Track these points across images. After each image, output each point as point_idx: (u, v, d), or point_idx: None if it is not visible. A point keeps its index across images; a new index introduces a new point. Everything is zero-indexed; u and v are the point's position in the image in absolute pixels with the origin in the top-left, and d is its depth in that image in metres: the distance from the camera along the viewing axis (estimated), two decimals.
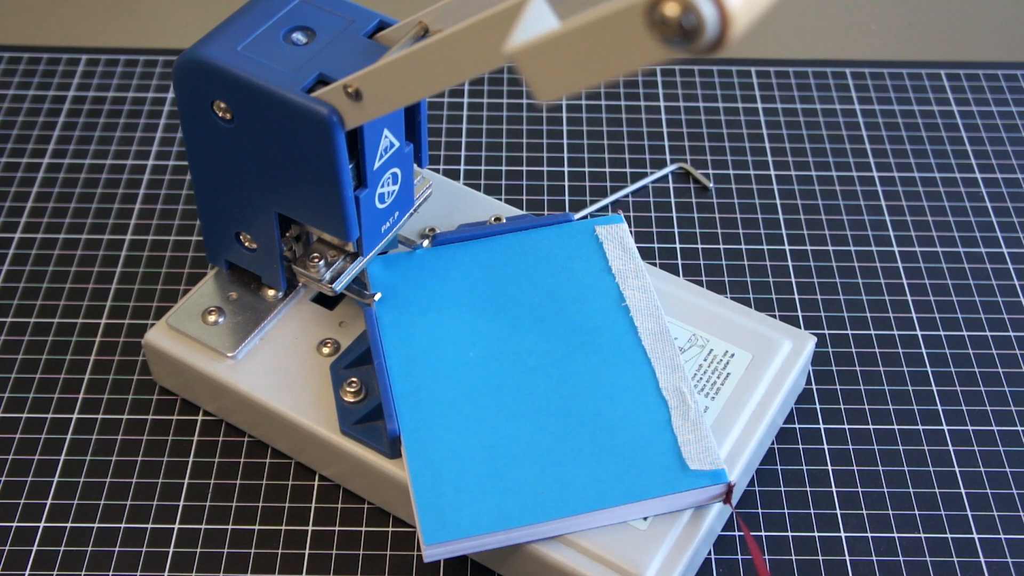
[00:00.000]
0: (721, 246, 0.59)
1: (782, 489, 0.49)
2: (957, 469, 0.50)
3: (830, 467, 0.50)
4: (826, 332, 0.55)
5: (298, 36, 0.43)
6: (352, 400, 0.47)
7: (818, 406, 0.52)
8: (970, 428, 0.52)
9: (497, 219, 0.53)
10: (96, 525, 0.48)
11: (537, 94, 0.33)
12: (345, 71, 0.42)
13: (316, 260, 0.48)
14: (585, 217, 0.57)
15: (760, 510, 0.48)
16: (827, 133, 0.66)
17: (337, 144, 0.41)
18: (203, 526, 0.48)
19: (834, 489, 0.49)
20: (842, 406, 0.52)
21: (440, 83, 0.39)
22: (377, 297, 0.49)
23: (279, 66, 0.42)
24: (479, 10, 0.40)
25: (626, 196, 0.62)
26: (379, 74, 0.40)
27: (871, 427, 0.52)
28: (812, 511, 0.48)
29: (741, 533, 0.47)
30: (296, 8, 0.44)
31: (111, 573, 0.46)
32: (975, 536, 0.48)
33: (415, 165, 0.48)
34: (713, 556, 0.47)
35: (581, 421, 0.45)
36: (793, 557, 0.47)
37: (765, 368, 0.48)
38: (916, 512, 0.49)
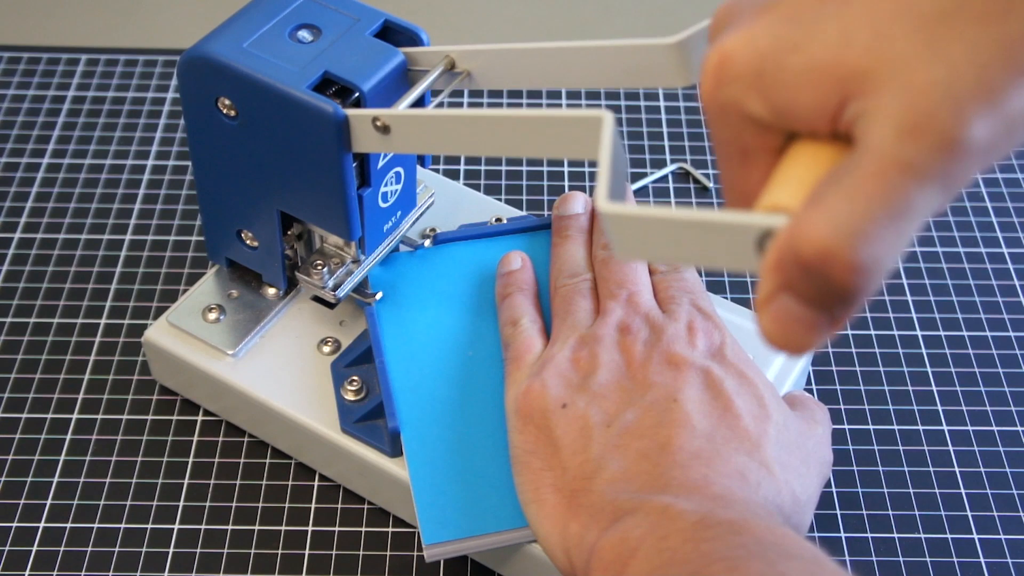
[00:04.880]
0: None
1: None
2: (957, 469, 0.50)
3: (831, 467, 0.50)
4: None
5: (304, 34, 0.43)
6: (353, 399, 0.47)
7: None
8: (970, 428, 0.52)
9: (497, 219, 0.53)
10: (96, 525, 0.48)
11: (617, 252, 0.32)
12: (350, 69, 0.42)
13: (319, 267, 0.48)
14: None
15: None
16: None
17: (342, 142, 0.41)
18: (203, 526, 0.48)
19: (834, 489, 0.49)
20: (842, 406, 0.52)
21: (470, 151, 0.40)
22: (378, 296, 0.49)
23: (284, 63, 0.42)
24: (505, 61, 0.42)
25: None
26: (414, 121, 0.40)
27: (871, 427, 0.52)
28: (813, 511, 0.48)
29: None
30: (302, 6, 0.44)
31: (111, 573, 0.46)
32: (975, 536, 0.48)
33: (418, 166, 0.48)
34: None
35: None
36: None
37: (765, 369, 0.48)
38: (916, 512, 0.49)
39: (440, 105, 0.44)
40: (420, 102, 0.44)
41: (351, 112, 0.41)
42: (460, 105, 0.67)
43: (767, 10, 0.28)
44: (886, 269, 0.26)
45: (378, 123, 0.41)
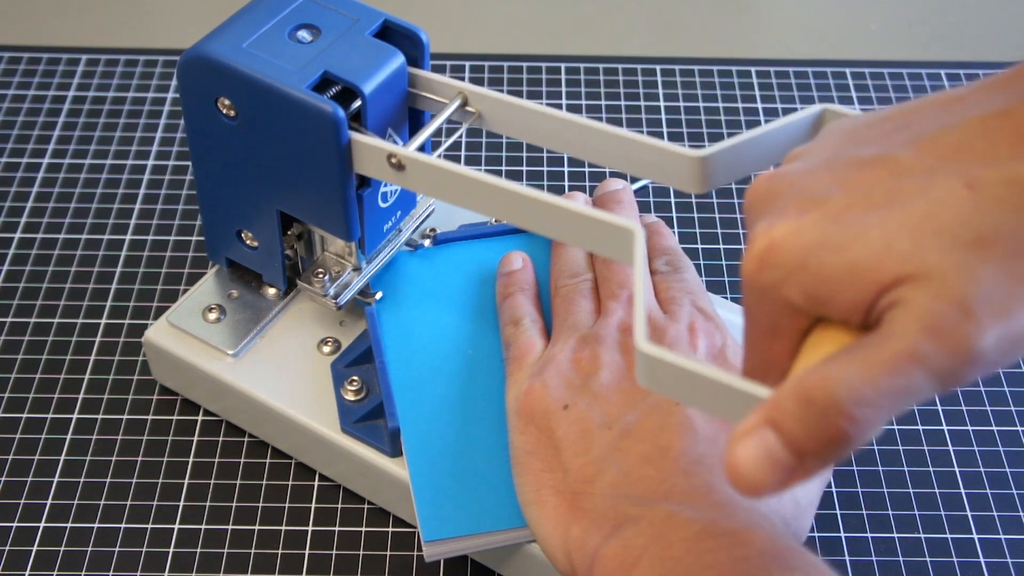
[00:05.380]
0: (721, 246, 0.59)
1: None
2: (957, 469, 0.50)
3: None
4: None
5: (303, 34, 0.43)
6: (353, 398, 0.47)
7: None
8: (970, 428, 0.52)
9: (497, 219, 0.53)
10: (96, 525, 0.48)
11: (639, 379, 0.35)
12: (350, 69, 0.42)
13: (320, 275, 0.48)
14: None
15: None
16: None
17: (341, 142, 0.41)
18: (203, 526, 0.48)
19: (834, 489, 0.49)
20: None
21: (488, 214, 0.41)
22: (378, 296, 0.49)
23: (284, 63, 0.42)
24: (520, 114, 0.43)
25: None
26: (431, 171, 0.41)
27: None
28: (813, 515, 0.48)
29: None
30: (301, 6, 0.44)
31: (111, 573, 0.46)
32: (975, 536, 0.48)
33: None
34: None
35: None
36: None
37: None
38: (916, 512, 0.49)
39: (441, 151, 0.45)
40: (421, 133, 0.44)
41: (365, 141, 0.41)
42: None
43: (814, 206, 0.30)
44: (867, 436, 0.29)
45: (393, 160, 0.41)
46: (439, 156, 0.42)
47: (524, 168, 0.63)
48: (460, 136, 0.46)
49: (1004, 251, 0.28)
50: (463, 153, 0.64)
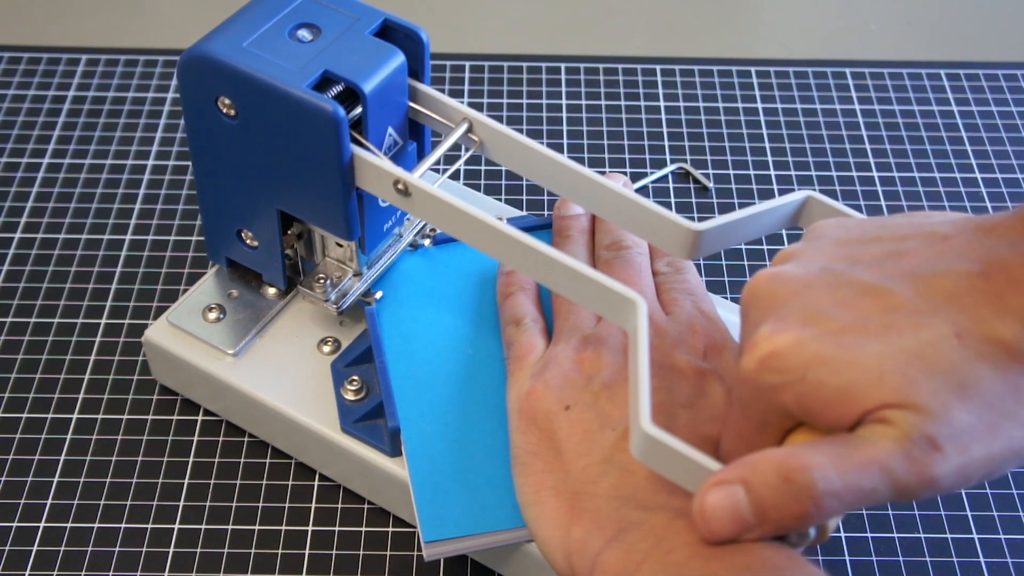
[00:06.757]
0: None
1: None
2: None
3: None
4: None
5: (303, 33, 0.43)
6: (353, 398, 0.47)
7: None
8: None
9: (497, 219, 0.53)
10: (96, 525, 0.48)
11: (635, 452, 0.36)
12: (350, 69, 0.42)
13: (321, 280, 0.48)
14: None
15: None
16: (827, 133, 0.66)
17: (341, 141, 0.41)
18: (203, 526, 0.48)
19: None
20: None
21: (490, 254, 0.42)
22: (378, 296, 0.49)
23: (284, 63, 0.42)
24: (522, 151, 0.44)
25: None
26: (437, 204, 0.42)
27: None
28: None
29: None
30: (301, 5, 0.44)
31: (111, 573, 0.46)
32: (975, 536, 0.48)
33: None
34: None
35: None
36: None
37: None
38: (916, 512, 0.49)
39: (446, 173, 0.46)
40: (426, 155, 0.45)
41: (372, 160, 0.41)
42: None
43: (816, 322, 0.33)
44: (823, 521, 0.33)
45: (399, 186, 0.42)
46: (443, 178, 0.43)
47: None
48: (461, 163, 0.47)
49: (980, 401, 0.32)
50: (463, 153, 0.64)
